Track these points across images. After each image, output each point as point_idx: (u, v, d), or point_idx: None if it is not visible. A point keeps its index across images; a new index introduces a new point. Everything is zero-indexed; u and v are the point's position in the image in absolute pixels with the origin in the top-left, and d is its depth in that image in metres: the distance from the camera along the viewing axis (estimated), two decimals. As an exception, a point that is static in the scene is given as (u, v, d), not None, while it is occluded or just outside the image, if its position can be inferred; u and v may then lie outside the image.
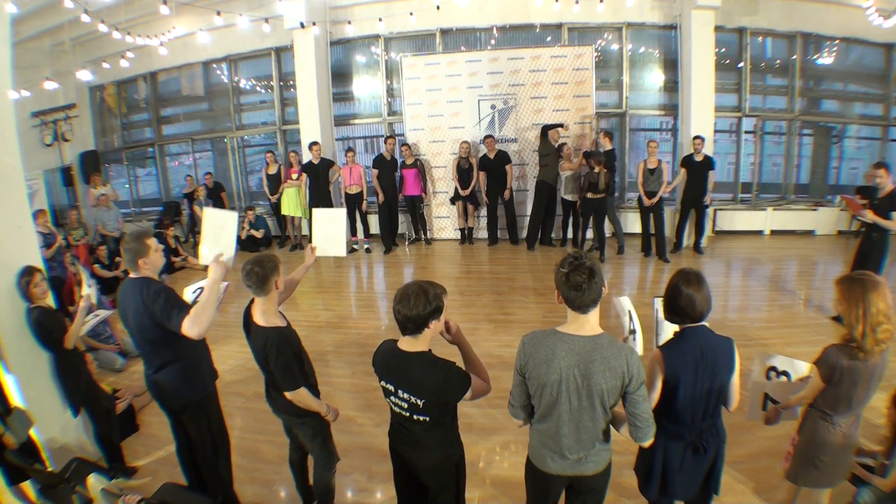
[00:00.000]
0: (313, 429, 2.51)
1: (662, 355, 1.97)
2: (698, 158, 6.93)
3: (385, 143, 7.89)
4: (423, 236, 8.33)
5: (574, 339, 1.76)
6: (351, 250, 8.10)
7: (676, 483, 2.05)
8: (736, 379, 1.98)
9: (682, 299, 1.94)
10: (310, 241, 3.10)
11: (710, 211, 7.68)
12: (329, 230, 3.04)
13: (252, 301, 2.37)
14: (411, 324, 1.84)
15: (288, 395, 2.31)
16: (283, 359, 2.25)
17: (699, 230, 7.24)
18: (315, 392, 2.46)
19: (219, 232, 2.77)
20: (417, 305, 1.80)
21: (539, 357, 1.78)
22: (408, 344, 1.91)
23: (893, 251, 4.43)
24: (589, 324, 1.77)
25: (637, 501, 2.77)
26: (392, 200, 7.92)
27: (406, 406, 1.92)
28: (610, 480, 1.99)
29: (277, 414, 2.54)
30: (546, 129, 7.34)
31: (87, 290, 3.22)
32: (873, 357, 2.02)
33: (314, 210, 3.11)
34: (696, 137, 6.91)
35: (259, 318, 2.30)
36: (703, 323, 1.98)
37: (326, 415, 2.48)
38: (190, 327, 2.23)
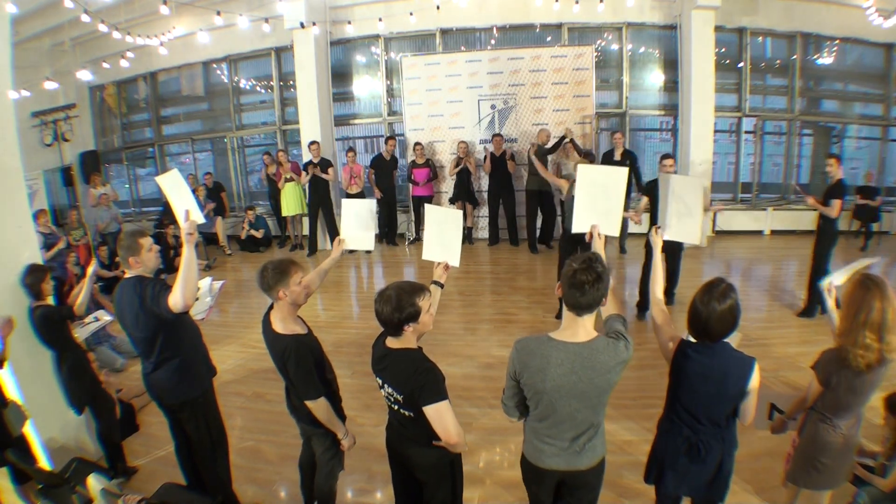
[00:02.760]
0: (331, 439, 2.46)
1: (675, 351, 1.95)
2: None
3: (386, 143, 7.91)
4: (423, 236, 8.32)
5: (568, 347, 1.74)
6: (350, 251, 8.10)
7: (669, 477, 2.05)
8: (752, 396, 1.91)
9: (699, 316, 1.85)
10: (324, 230, 3.07)
11: (710, 212, 7.65)
12: (358, 223, 2.92)
13: (271, 305, 2.34)
14: (387, 326, 1.88)
15: (308, 404, 2.27)
16: (302, 368, 2.21)
17: (671, 279, 5.24)
18: (337, 399, 2.42)
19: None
20: (385, 310, 1.83)
21: (533, 366, 1.77)
22: (395, 342, 1.93)
23: (893, 251, 4.44)
24: (584, 329, 1.75)
25: (637, 501, 2.77)
26: (391, 199, 7.95)
27: (392, 400, 1.95)
28: (603, 477, 1.98)
29: (297, 421, 2.51)
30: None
31: (94, 266, 3.26)
32: (869, 371, 1.98)
33: (344, 201, 3.03)
34: (665, 157, 5.19)
35: (277, 325, 2.27)
36: (725, 340, 1.90)
37: (343, 439, 2.41)
38: (174, 300, 2.24)
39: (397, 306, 1.83)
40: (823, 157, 8.43)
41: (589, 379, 1.71)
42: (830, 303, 2.44)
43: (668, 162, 5.13)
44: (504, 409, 1.96)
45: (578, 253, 1.81)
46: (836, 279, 2.54)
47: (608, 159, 7.10)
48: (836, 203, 4.65)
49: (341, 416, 2.42)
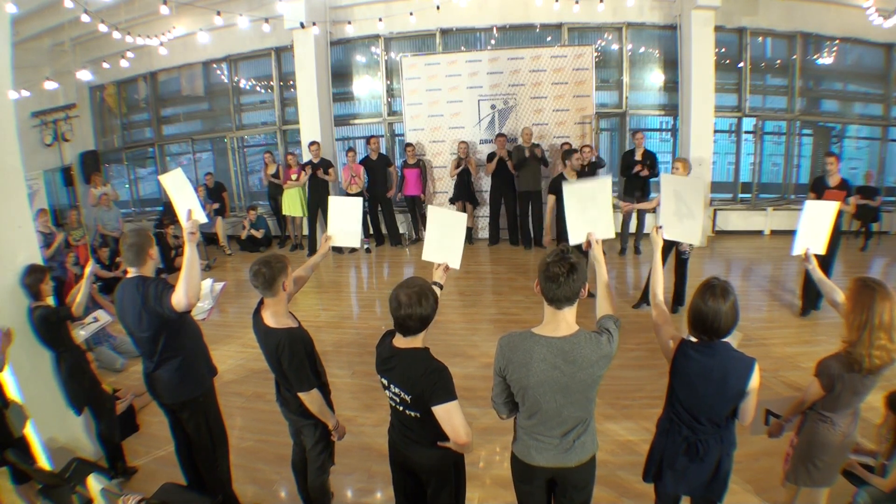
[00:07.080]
0: (320, 431, 2.52)
1: (676, 351, 1.95)
2: (571, 176, 4.91)
3: (368, 143, 8.00)
4: (423, 236, 8.34)
5: (551, 342, 1.74)
6: (351, 250, 8.11)
7: (668, 476, 2.06)
8: (752, 397, 1.90)
9: (703, 315, 1.86)
10: (323, 230, 3.08)
11: (710, 211, 7.64)
12: (345, 220, 2.95)
13: (261, 302, 2.36)
14: (419, 323, 1.84)
15: (302, 396, 2.31)
16: (296, 360, 2.25)
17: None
18: (326, 391, 2.47)
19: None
20: (423, 306, 1.82)
21: (517, 361, 1.77)
22: (403, 341, 1.92)
23: (893, 251, 4.43)
24: (565, 322, 1.76)
25: (637, 501, 2.77)
26: (382, 197, 8.01)
27: (399, 400, 1.94)
28: (595, 475, 1.97)
29: (287, 415, 2.54)
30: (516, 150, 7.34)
31: (92, 266, 3.24)
32: (877, 373, 2.00)
33: (331, 198, 3.06)
34: (584, 147, 4.86)
35: (270, 320, 2.31)
36: (726, 339, 1.90)
37: (334, 429, 2.49)
38: (177, 300, 2.26)
39: (431, 302, 1.84)
40: (823, 156, 8.49)
41: (571, 373, 1.72)
42: (815, 270, 2.47)
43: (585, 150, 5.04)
44: (493, 406, 1.96)
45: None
46: (800, 245, 2.58)
47: (629, 159, 7.10)
48: (853, 200, 4.75)
49: (331, 408, 2.48)
